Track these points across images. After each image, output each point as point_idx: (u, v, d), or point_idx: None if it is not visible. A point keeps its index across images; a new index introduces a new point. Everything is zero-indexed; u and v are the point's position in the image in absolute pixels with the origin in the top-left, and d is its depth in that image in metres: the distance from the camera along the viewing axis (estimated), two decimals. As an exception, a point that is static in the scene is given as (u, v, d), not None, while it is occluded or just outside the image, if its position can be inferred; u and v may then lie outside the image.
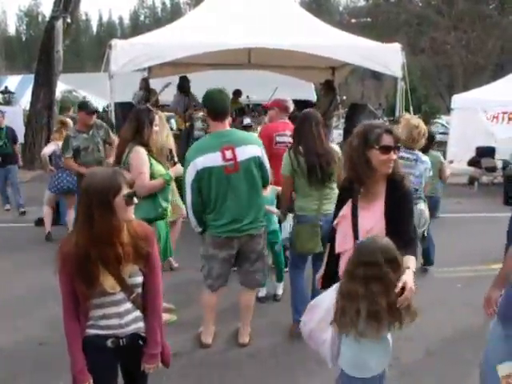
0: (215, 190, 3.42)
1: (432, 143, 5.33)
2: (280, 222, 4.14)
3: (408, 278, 2.18)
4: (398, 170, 2.54)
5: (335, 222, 2.67)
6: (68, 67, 14.30)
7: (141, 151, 3.75)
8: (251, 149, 3.45)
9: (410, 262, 2.32)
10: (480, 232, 6.67)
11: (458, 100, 12.37)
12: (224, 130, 3.52)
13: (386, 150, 2.42)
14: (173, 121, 9.90)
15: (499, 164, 11.32)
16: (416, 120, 4.41)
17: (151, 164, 3.80)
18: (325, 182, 3.81)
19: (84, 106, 5.98)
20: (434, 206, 4.78)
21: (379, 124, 2.53)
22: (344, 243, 2.58)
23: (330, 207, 3.69)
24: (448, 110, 14.36)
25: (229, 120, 3.55)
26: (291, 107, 4.52)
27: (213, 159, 3.35)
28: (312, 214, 3.83)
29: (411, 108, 7.73)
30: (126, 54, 6.79)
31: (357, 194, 2.57)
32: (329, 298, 2.38)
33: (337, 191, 3.23)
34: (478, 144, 11.74)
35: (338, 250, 2.64)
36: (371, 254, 2.14)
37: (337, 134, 11.67)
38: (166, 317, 4.23)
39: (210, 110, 3.49)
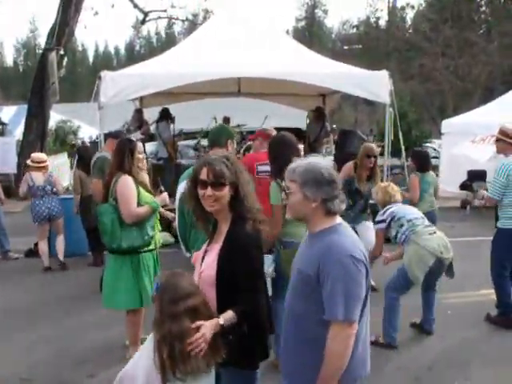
0: (190, 217, 3.35)
1: (429, 163, 6.01)
2: None
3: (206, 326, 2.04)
4: (247, 212, 2.25)
5: (192, 259, 2.49)
6: (64, 97, 14.39)
7: (128, 179, 3.80)
8: None
9: (225, 315, 2.12)
10: (473, 256, 6.64)
11: (447, 124, 12.50)
12: None
13: (202, 184, 2.23)
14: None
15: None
16: (385, 183, 5.02)
17: (139, 192, 3.83)
18: None
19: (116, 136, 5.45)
20: (432, 220, 5.09)
21: (213, 157, 2.27)
22: None
23: None
24: (440, 134, 14.48)
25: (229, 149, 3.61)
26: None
27: None
28: (300, 240, 3.74)
29: (400, 133, 7.80)
30: (116, 85, 6.85)
31: (213, 233, 2.38)
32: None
33: None
34: (469, 167, 11.79)
35: None
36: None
37: (329, 160, 11.70)
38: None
39: None
